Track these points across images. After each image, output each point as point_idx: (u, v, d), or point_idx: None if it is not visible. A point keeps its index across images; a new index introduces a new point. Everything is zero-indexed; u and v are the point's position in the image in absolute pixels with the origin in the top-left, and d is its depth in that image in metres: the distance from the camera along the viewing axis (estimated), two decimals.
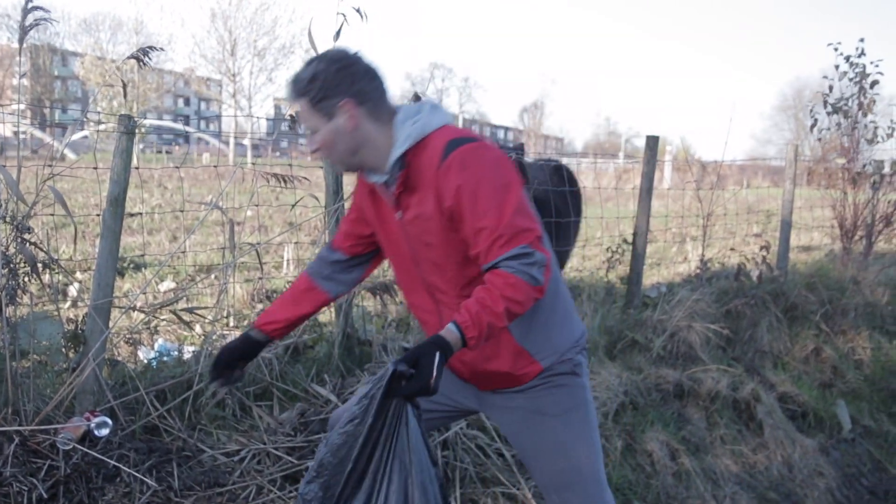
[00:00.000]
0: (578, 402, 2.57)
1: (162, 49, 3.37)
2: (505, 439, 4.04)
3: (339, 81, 2.28)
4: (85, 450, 3.04)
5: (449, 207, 2.25)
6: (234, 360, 2.67)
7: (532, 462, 2.60)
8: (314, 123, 2.32)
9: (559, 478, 2.53)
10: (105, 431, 2.82)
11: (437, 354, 2.11)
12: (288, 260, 6.87)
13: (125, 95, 3.63)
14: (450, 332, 2.17)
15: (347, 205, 4.38)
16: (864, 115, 8.09)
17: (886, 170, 8.28)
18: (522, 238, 2.20)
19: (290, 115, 4.19)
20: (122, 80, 3.64)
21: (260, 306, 4.37)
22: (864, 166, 8.23)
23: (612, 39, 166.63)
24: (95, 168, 3.71)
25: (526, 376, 2.50)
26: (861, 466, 5.56)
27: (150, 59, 3.36)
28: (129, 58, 3.43)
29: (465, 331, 2.15)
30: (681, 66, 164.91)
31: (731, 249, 8.02)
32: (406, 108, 2.38)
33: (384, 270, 4.67)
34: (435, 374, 2.09)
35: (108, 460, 3.07)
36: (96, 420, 2.83)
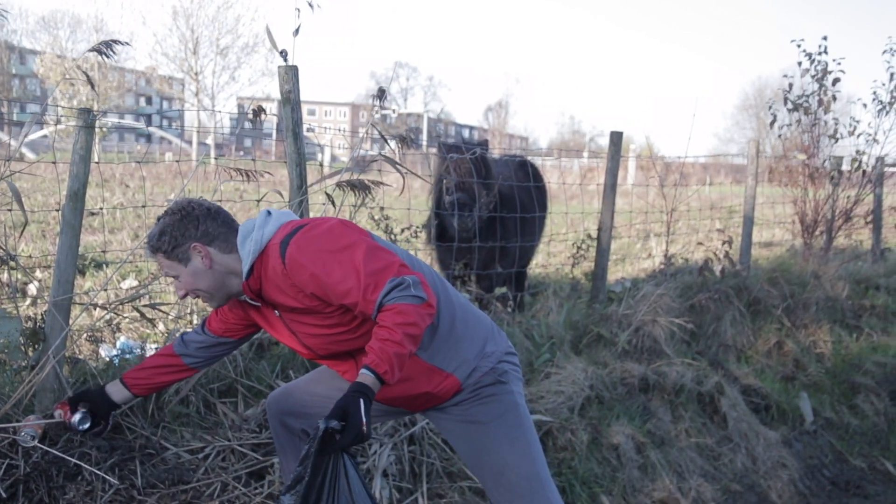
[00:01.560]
0: (508, 406, 2.68)
1: (127, 43, 3.31)
2: None
3: (184, 229, 2.52)
4: (45, 448, 2.99)
5: (313, 293, 2.43)
6: (97, 406, 2.84)
7: (474, 468, 2.75)
8: (175, 272, 2.56)
9: (499, 482, 2.64)
10: (87, 425, 2.80)
11: (362, 402, 2.22)
12: None
13: (92, 86, 3.56)
14: (364, 375, 2.28)
15: (311, 199, 4.35)
16: (825, 111, 8.18)
17: (845, 166, 8.38)
18: (386, 274, 2.36)
19: (254, 110, 4.15)
20: (86, 74, 3.58)
21: None
22: (824, 162, 8.33)
23: (575, 36, 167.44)
24: (54, 163, 3.65)
25: (447, 392, 2.64)
26: (823, 458, 5.62)
27: (113, 52, 3.30)
28: (90, 51, 3.36)
29: (377, 368, 2.27)
30: (644, 61, 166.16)
31: (699, 244, 8.09)
32: (242, 227, 2.59)
33: None
34: (364, 420, 2.20)
35: (70, 458, 3.02)
36: (78, 415, 2.80)
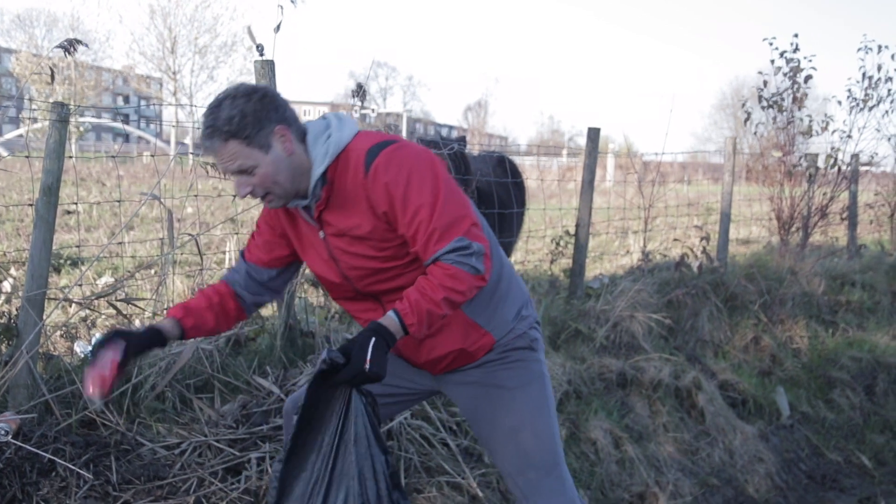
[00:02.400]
0: (535, 375, 2.58)
1: (85, 45, 3.29)
2: (450, 429, 4.04)
3: (266, 111, 2.25)
4: (18, 444, 2.96)
5: (384, 213, 2.27)
6: (139, 351, 2.42)
7: (492, 441, 2.59)
8: (251, 161, 2.25)
9: (521, 456, 2.52)
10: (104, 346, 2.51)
11: (373, 340, 2.13)
12: (230, 252, 6.78)
13: (52, 80, 3.54)
14: (389, 318, 2.20)
15: None
16: (799, 108, 8.24)
17: (821, 163, 8.44)
18: (456, 229, 2.24)
19: None
20: (51, 68, 3.56)
21: None
22: (800, 159, 8.39)
23: (555, 35, 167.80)
24: (27, 156, 3.62)
25: (480, 350, 2.51)
26: (799, 451, 5.66)
27: (75, 49, 3.28)
28: (56, 47, 3.34)
29: (405, 318, 2.18)
30: (623, 60, 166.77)
31: (675, 240, 8.13)
32: (313, 125, 2.38)
33: None
34: (369, 358, 2.11)
35: (44, 454, 2.99)
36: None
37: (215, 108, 2.23)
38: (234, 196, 4.27)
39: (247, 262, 2.62)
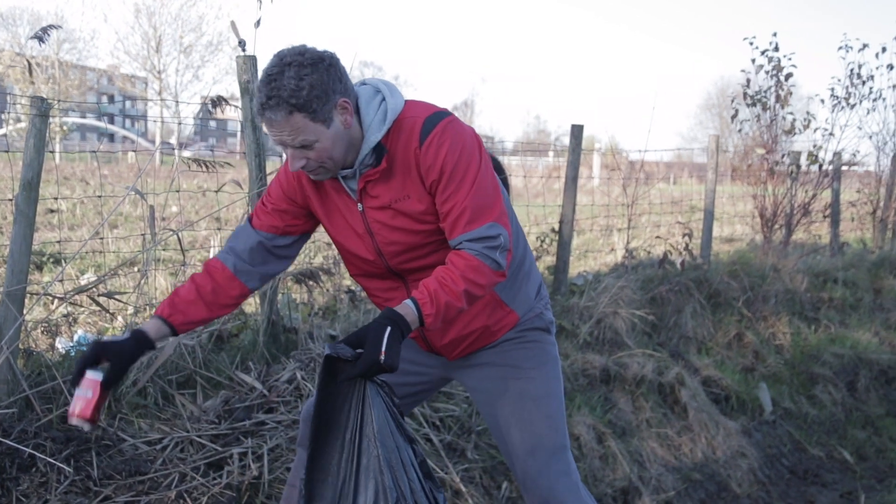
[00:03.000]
0: (550, 358, 2.56)
1: (59, 27, 3.27)
2: (433, 424, 4.04)
3: (333, 81, 2.13)
4: None
5: (431, 183, 2.22)
6: (124, 365, 2.29)
7: (503, 420, 2.52)
8: (313, 136, 2.13)
9: (532, 437, 2.47)
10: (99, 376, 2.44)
11: (388, 329, 2.06)
12: (213, 249, 6.77)
13: (30, 73, 3.52)
14: (406, 307, 2.13)
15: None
16: (783, 106, 8.29)
17: (803, 160, 8.49)
18: (488, 214, 2.19)
19: (213, 100, 4.13)
20: (28, 61, 3.54)
21: None
22: (783, 157, 8.44)
23: (541, 35, 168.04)
24: (7, 151, 3.60)
25: (502, 329, 2.48)
26: (782, 447, 5.69)
27: (49, 35, 3.26)
28: (31, 38, 3.32)
29: (423, 307, 2.12)
30: (610, 59, 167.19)
31: (657, 238, 8.15)
32: (363, 90, 2.28)
33: (310, 257, 4.63)
34: (384, 349, 2.02)
35: (24, 448, 2.98)
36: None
37: (278, 75, 2.09)
38: (217, 191, 4.27)
39: (255, 229, 2.46)
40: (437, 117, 2.23)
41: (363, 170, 2.26)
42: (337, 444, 2.15)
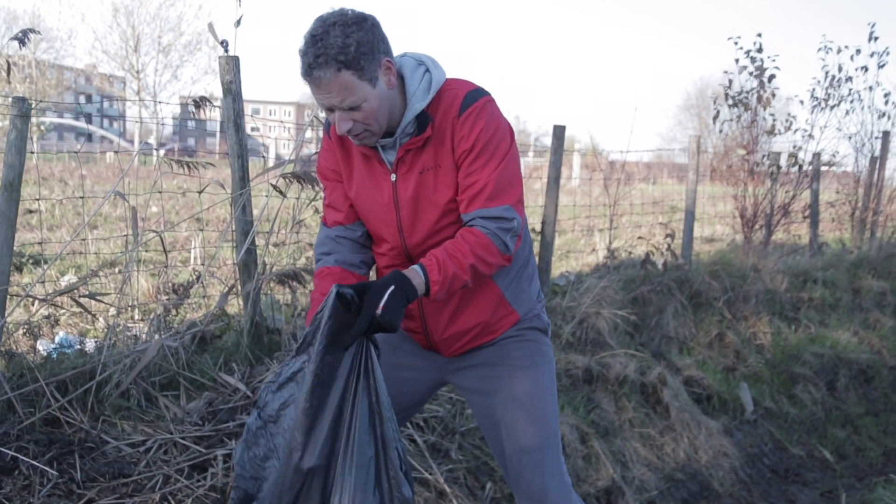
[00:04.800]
0: (546, 359, 2.56)
1: (38, 33, 3.25)
2: (417, 425, 4.04)
3: (377, 40, 2.13)
4: None
5: (461, 154, 2.23)
6: None
7: (498, 419, 2.51)
8: (361, 95, 2.13)
9: (526, 437, 2.47)
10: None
11: (391, 288, 2.03)
12: (195, 249, 6.75)
13: (8, 73, 3.49)
14: (413, 271, 2.11)
15: (253, 191, 4.31)
16: (764, 108, 8.34)
17: (783, 161, 8.55)
18: (508, 196, 2.20)
19: (195, 101, 4.11)
20: (7, 61, 3.51)
21: (164, 298, 4.26)
22: (763, 158, 8.49)
23: (523, 35, 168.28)
24: None
25: (501, 328, 2.49)
26: (763, 446, 5.73)
27: (29, 39, 3.24)
28: (11, 39, 3.30)
29: (430, 273, 2.10)
30: (590, 59, 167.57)
31: (640, 238, 8.18)
32: (407, 61, 2.30)
33: (294, 259, 4.61)
34: (383, 304, 1.99)
35: (6, 451, 2.96)
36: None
37: (323, 34, 2.08)
38: (199, 192, 4.25)
39: (330, 227, 2.49)
40: (479, 93, 2.26)
41: (404, 139, 2.27)
42: (334, 405, 2.09)
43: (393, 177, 2.32)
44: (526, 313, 2.52)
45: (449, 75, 2.34)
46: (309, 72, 2.10)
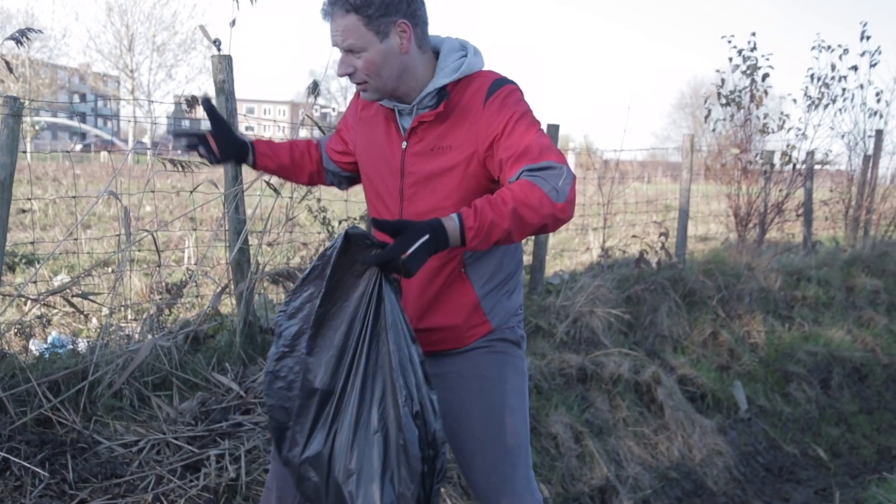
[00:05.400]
0: (517, 372, 2.52)
1: (39, 31, 3.24)
2: None
3: (399, 2, 2.19)
4: None
5: (493, 139, 2.22)
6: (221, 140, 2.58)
7: (466, 433, 2.47)
8: (362, 42, 2.19)
9: (494, 450, 2.43)
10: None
11: (426, 237, 1.95)
12: (188, 249, 6.73)
13: (10, 70, 3.48)
14: (450, 219, 2.01)
15: (247, 189, 4.30)
16: (757, 106, 8.34)
17: (776, 160, 8.55)
18: (551, 154, 2.14)
19: (188, 100, 4.10)
20: (6, 61, 3.49)
21: (157, 298, 4.25)
22: (757, 157, 8.49)
23: (519, 32, 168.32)
24: None
25: (472, 336, 2.45)
26: (757, 445, 5.73)
27: (27, 38, 3.22)
28: (7, 38, 3.28)
29: (466, 220, 2.00)
30: (586, 60, 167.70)
31: (634, 237, 8.19)
32: (449, 41, 2.37)
33: (287, 258, 4.61)
34: (412, 251, 1.93)
35: None
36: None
37: None
38: (192, 192, 4.24)
39: (320, 144, 2.73)
40: (507, 80, 2.30)
41: (422, 110, 2.31)
42: (342, 330, 2.10)
43: (404, 144, 2.35)
44: (499, 325, 2.48)
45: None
46: (325, 6, 2.22)
